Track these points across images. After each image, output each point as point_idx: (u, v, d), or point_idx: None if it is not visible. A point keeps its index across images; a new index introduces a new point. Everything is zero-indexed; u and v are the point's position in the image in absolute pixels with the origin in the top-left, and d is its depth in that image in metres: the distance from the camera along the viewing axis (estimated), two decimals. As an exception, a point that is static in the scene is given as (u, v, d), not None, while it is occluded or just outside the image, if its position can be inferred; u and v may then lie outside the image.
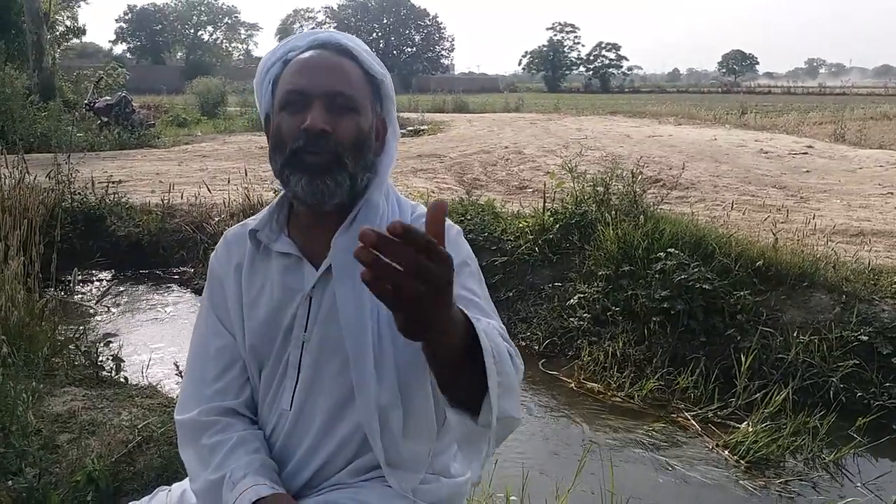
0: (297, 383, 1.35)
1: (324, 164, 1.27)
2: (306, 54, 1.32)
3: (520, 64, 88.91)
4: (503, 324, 1.28)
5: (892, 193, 8.76)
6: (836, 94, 57.27)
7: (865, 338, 4.18)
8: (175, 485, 1.51)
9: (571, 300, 5.09)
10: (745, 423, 3.81)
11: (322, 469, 1.34)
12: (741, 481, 3.40)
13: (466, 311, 0.99)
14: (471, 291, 1.30)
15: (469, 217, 5.99)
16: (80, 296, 5.81)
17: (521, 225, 5.88)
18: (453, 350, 0.97)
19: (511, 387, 1.07)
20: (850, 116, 22.25)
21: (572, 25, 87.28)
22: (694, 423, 3.96)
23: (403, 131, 19.37)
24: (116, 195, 7.28)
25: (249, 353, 1.39)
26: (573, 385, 4.48)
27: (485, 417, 1.03)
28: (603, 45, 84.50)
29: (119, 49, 73.46)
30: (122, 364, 3.64)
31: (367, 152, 1.33)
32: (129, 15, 72.76)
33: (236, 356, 1.41)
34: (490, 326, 1.10)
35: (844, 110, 25.28)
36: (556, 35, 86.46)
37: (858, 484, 3.41)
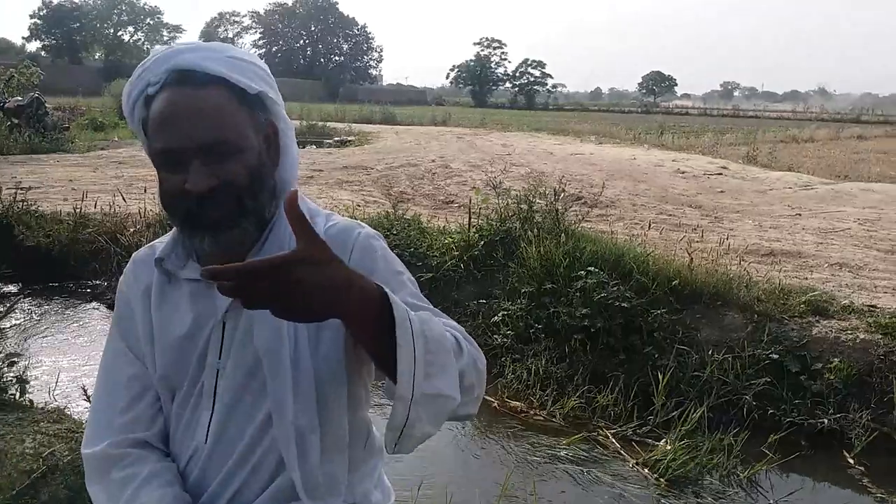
0: (212, 413, 1.30)
1: (225, 217, 1.19)
2: (166, 98, 1.19)
3: (447, 77, 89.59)
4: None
5: (800, 215, 9.16)
6: (749, 116, 59.95)
7: (776, 356, 4.35)
8: (81, 519, 1.43)
9: (495, 317, 5.12)
10: (664, 440, 3.90)
11: (237, 495, 1.28)
12: (662, 500, 3.47)
13: (386, 289, 1.00)
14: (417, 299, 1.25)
15: (395, 232, 5.96)
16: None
17: (446, 241, 5.88)
18: (370, 325, 0.99)
19: (444, 365, 1.05)
20: (762, 139, 23.28)
21: (499, 41, 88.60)
22: (614, 441, 4.02)
23: (329, 142, 19.25)
24: (25, 202, 6.97)
25: (160, 383, 1.32)
26: (496, 404, 4.48)
27: (400, 390, 1.00)
28: (529, 63, 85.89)
29: (33, 46, 70.14)
30: (26, 386, 3.45)
31: (267, 179, 1.25)
32: (45, 11, 69.38)
33: (147, 385, 1.34)
34: (425, 313, 1.09)
35: (756, 133, 26.41)
36: (483, 50, 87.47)
37: (772, 501, 3.52)
